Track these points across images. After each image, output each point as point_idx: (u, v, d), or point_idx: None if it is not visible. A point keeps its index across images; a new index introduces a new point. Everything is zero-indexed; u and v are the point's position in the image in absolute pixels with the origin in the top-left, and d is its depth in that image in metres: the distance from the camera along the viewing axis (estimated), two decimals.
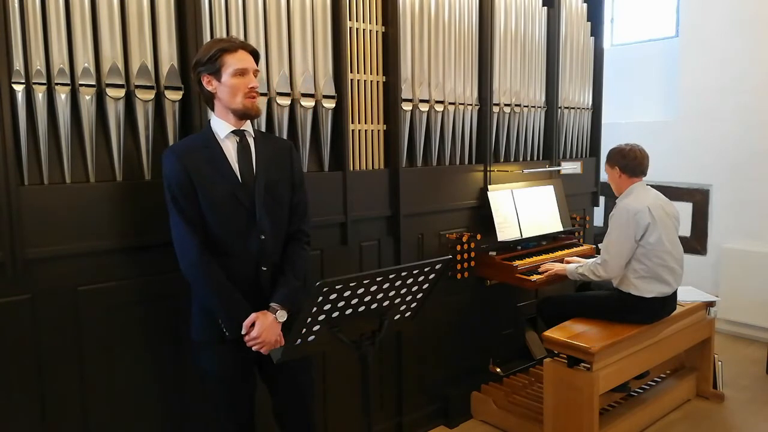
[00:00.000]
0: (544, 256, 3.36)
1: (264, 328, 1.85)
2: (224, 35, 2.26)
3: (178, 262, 2.15)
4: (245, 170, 1.91)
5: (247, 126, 1.96)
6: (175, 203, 1.84)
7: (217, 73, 1.86)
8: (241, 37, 2.31)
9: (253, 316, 1.86)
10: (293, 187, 2.04)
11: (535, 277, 3.10)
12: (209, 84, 1.88)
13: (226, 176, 1.88)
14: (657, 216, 2.86)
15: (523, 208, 3.45)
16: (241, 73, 1.86)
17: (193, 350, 2.01)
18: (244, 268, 1.90)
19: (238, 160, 1.91)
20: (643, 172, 3.01)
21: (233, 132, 1.91)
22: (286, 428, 2.10)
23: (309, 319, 1.56)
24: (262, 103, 2.38)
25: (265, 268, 1.93)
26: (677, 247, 2.98)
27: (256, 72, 1.92)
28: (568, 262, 3.22)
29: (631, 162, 2.96)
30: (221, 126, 1.91)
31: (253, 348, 1.86)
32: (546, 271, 3.12)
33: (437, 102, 3.08)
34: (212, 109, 1.95)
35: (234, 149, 1.92)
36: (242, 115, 1.90)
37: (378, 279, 1.60)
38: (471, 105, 3.27)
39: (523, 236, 3.37)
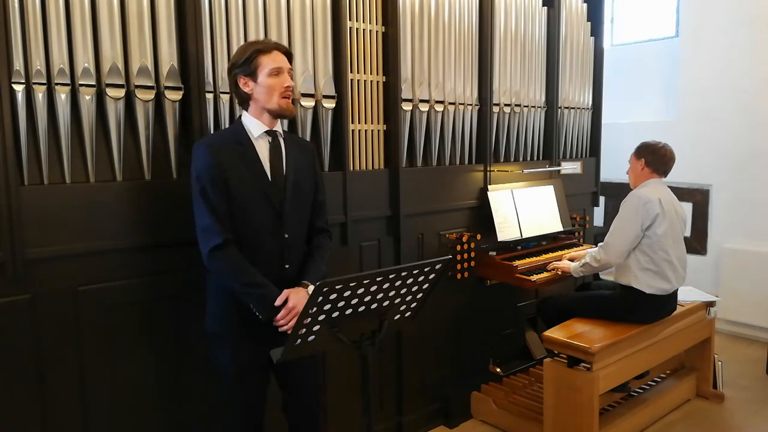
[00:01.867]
0: (544, 256, 3.36)
1: (298, 299, 1.86)
2: (224, 35, 2.27)
3: (178, 262, 2.16)
4: (276, 170, 1.96)
5: (278, 126, 2.01)
6: (204, 195, 1.85)
7: (253, 74, 1.91)
8: (241, 38, 2.31)
9: (285, 291, 1.87)
10: (316, 186, 2.11)
11: (535, 277, 3.10)
12: (245, 85, 1.93)
13: (258, 175, 1.92)
14: (667, 210, 2.88)
15: (523, 208, 3.45)
16: (277, 72, 1.91)
17: (209, 345, 2.02)
18: (269, 266, 1.92)
19: (270, 159, 1.96)
20: (666, 172, 3.03)
21: (266, 132, 1.96)
22: (294, 422, 2.13)
23: (309, 319, 1.56)
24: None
25: (288, 266, 1.96)
26: (681, 246, 2.99)
27: (290, 71, 1.97)
28: (573, 261, 3.22)
29: (659, 159, 2.98)
30: (255, 125, 1.95)
31: (284, 327, 1.84)
32: (555, 269, 3.15)
33: (437, 102, 3.08)
34: (246, 110, 1.98)
35: (266, 149, 1.96)
36: (278, 114, 1.96)
37: (378, 279, 1.60)
38: (471, 105, 3.27)
39: (523, 236, 3.38)
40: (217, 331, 1.96)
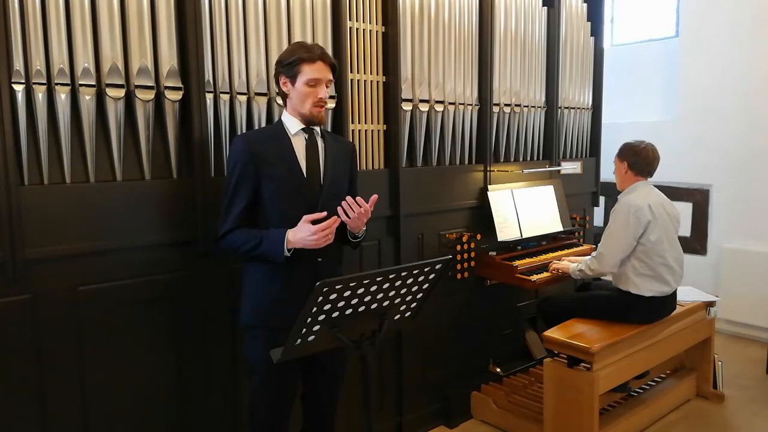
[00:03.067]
0: (544, 257, 3.36)
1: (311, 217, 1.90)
2: (224, 35, 2.27)
3: (178, 262, 2.16)
4: (312, 166, 2.02)
5: (315, 125, 2.06)
6: (231, 187, 1.95)
7: (293, 78, 1.97)
8: (241, 38, 2.31)
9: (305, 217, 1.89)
10: (350, 183, 2.18)
11: (535, 277, 3.10)
12: (284, 85, 2.00)
13: (293, 169, 1.98)
14: (658, 214, 2.86)
15: (523, 208, 3.45)
16: (314, 83, 1.97)
17: (244, 336, 2.06)
18: (302, 259, 1.95)
19: (306, 155, 2.01)
20: (650, 173, 3.01)
21: (303, 129, 2.03)
22: (311, 413, 2.18)
23: (309, 319, 1.56)
24: (262, 101, 2.38)
25: (321, 259, 2.00)
26: (677, 247, 2.98)
27: (329, 83, 2.02)
28: (572, 262, 3.22)
29: (642, 161, 2.96)
30: (292, 122, 2.03)
31: (322, 237, 1.85)
32: (556, 269, 3.15)
33: (437, 102, 3.08)
34: (285, 107, 2.06)
35: (303, 145, 2.02)
36: (307, 120, 2.02)
37: (378, 279, 1.60)
38: (471, 105, 3.27)
39: (523, 236, 3.38)
40: (251, 323, 2.01)
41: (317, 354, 1.88)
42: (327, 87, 2.01)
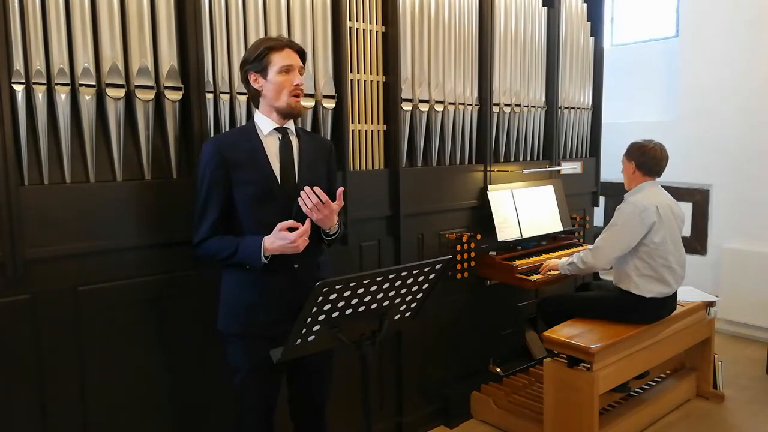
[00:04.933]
0: (544, 256, 3.36)
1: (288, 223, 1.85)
2: (224, 35, 2.27)
3: (178, 262, 2.16)
4: (286, 167, 1.94)
5: (290, 124, 2.00)
6: (203, 189, 1.89)
7: (263, 71, 1.91)
8: (241, 38, 2.31)
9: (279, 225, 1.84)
10: (330, 184, 2.09)
11: (535, 277, 3.10)
12: (256, 82, 1.93)
13: (265, 173, 1.91)
14: (664, 215, 2.85)
15: (523, 208, 3.45)
16: (287, 70, 1.90)
17: (223, 345, 2.02)
18: (276, 265, 1.90)
19: (280, 157, 1.94)
20: (658, 173, 2.98)
21: (276, 129, 1.96)
22: (299, 418, 2.15)
23: (309, 319, 1.56)
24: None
25: (297, 266, 1.94)
26: (680, 248, 2.97)
27: (301, 70, 1.96)
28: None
29: (649, 161, 2.93)
30: (265, 123, 1.95)
31: (303, 244, 1.82)
32: (545, 269, 3.12)
33: (437, 102, 3.08)
34: (257, 107, 1.99)
35: (276, 146, 1.95)
36: (286, 114, 1.94)
37: (378, 279, 1.60)
38: (471, 105, 3.27)
39: (523, 236, 3.38)
40: (227, 330, 1.97)
41: (303, 356, 1.86)
42: (300, 74, 1.95)
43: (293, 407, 2.15)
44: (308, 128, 2.55)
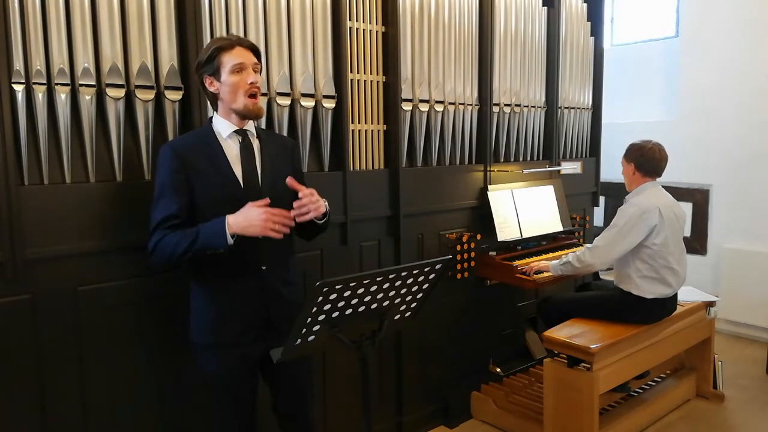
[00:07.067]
0: (544, 256, 3.36)
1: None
2: (225, 34, 2.26)
3: None
4: (248, 170, 1.88)
5: (250, 126, 1.94)
6: (161, 194, 1.80)
7: (216, 73, 1.84)
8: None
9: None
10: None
11: (535, 277, 3.09)
12: (211, 85, 1.87)
13: (226, 176, 1.84)
14: (666, 217, 2.84)
15: (523, 208, 3.45)
16: (239, 69, 1.83)
17: (195, 353, 1.99)
18: (243, 266, 1.88)
19: (241, 160, 1.88)
20: (658, 173, 2.96)
21: (236, 132, 1.89)
22: (286, 424, 2.12)
23: (309, 319, 1.56)
24: (263, 102, 2.38)
25: (265, 267, 1.91)
26: (681, 249, 2.97)
27: (255, 66, 1.87)
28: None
29: (649, 161, 2.91)
30: (223, 125, 1.89)
31: (270, 220, 1.71)
32: (532, 271, 3.06)
33: (437, 102, 3.08)
34: (216, 110, 1.93)
35: (236, 149, 1.89)
36: (244, 115, 1.88)
37: (378, 279, 1.60)
38: (471, 105, 3.27)
39: (523, 236, 3.38)
40: (200, 342, 1.93)
41: (277, 366, 1.82)
42: (256, 72, 1.86)
43: (278, 414, 2.11)
44: (308, 128, 2.55)
